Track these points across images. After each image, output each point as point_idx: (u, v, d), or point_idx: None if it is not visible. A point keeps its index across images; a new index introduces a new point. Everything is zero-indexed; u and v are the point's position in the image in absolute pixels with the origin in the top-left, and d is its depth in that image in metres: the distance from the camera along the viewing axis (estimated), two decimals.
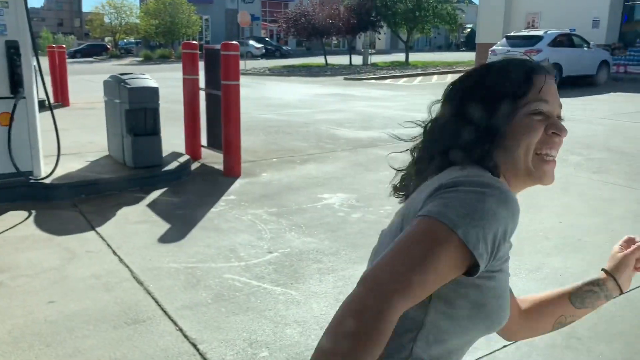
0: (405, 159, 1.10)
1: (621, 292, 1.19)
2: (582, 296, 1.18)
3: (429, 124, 1.05)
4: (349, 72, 23.15)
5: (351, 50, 29.82)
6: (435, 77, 21.24)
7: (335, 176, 6.04)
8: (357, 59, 28.73)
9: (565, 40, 16.20)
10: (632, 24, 20.29)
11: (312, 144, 7.84)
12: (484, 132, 0.95)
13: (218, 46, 5.95)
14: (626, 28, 20.26)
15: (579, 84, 15.68)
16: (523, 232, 4.30)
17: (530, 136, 0.96)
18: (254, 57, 37.26)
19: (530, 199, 5.17)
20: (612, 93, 14.87)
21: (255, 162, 6.61)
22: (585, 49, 16.67)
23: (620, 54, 18.94)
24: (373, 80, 20.26)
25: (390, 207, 4.87)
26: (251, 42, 40.97)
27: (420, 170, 1.04)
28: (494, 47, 16.22)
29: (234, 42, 6.01)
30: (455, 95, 1.03)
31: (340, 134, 8.64)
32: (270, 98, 14.00)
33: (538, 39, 15.65)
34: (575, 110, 10.75)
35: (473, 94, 1.00)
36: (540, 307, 1.21)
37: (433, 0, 27.42)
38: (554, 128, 0.99)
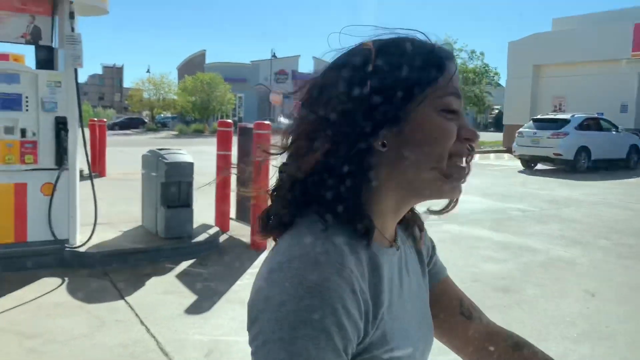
0: None
1: None
2: None
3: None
4: None
5: None
6: None
7: None
8: None
9: (592, 124, 16.33)
10: None
11: None
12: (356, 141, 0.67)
13: (251, 125, 6.26)
14: None
15: (609, 168, 15.63)
16: (549, 316, 4.25)
17: (444, 142, 0.70)
18: None
19: (556, 283, 5.12)
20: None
21: None
22: (614, 132, 16.74)
23: None
24: None
25: None
26: (281, 119, 42.22)
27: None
28: (521, 129, 16.43)
29: (267, 122, 6.31)
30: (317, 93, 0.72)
31: None
32: None
33: (565, 122, 15.82)
34: (603, 195, 10.70)
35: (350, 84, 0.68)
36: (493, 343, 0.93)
37: (461, 84, 28.17)
38: (469, 133, 0.73)
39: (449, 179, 0.72)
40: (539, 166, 16.27)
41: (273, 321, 0.60)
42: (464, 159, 0.74)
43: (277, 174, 0.74)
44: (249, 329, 0.64)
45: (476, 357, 0.93)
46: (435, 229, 7.37)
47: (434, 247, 0.98)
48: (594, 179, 13.39)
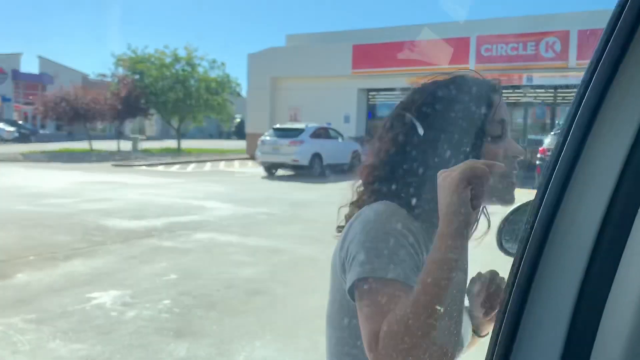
0: None
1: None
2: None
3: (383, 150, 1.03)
4: (118, 159, 22.23)
5: (119, 136, 28.77)
6: (208, 164, 21.64)
7: (105, 272, 5.59)
8: (126, 145, 27.82)
9: (323, 133, 18.11)
10: (376, 120, 23.74)
11: (78, 237, 7.19)
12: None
13: None
14: (371, 123, 23.61)
15: (337, 172, 17.50)
16: (298, 313, 4.50)
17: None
18: (4, 141, 33.42)
19: (303, 280, 5.47)
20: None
21: (8, 262, 5.79)
22: (340, 140, 18.85)
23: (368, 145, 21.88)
24: (144, 167, 19.74)
25: (168, 301, 4.67)
26: (1, 124, 36.85)
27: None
28: (262, 138, 17.31)
29: None
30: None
31: (110, 224, 8.11)
32: (25, 187, 12.58)
33: (300, 131, 17.22)
34: (334, 195, 11.91)
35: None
36: None
37: (204, 92, 28.37)
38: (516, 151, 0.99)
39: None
40: (280, 172, 17.38)
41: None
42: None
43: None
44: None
45: None
46: (185, 238, 7.26)
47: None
48: (326, 182, 14.84)
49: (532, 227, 0.57)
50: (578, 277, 0.53)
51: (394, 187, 0.97)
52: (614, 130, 0.53)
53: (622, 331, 0.49)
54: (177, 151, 26.97)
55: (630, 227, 0.51)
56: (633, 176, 0.52)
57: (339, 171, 17.75)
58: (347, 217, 1.09)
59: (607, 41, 0.53)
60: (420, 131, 0.97)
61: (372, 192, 1.02)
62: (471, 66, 19.11)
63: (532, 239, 0.56)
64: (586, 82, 0.55)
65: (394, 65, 20.90)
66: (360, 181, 1.08)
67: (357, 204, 1.07)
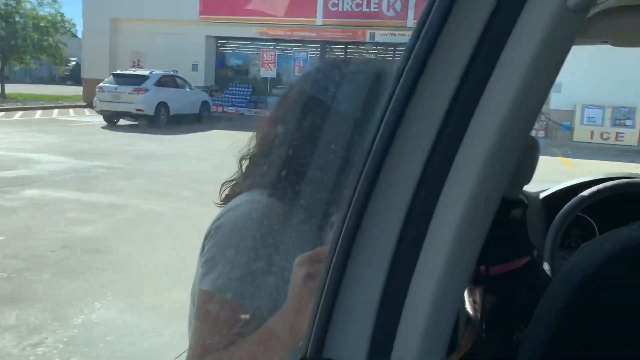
0: None
1: None
2: None
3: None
4: None
5: None
6: (39, 112, 19.59)
7: None
8: None
9: (169, 81, 17.29)
10: (225, 69, 23.19)
11: None
12: None
13: None
14: (220, 73, 23.02)
15: (184, 123, 16.92)
16: (143, 271, 4.40)
17: None
18: None
19: (148, 238, 5.31)
20: (213, 130, 16.62)
21: None
22: (188, 90, 18.18)
23: (217, 95, 21.37)
24: None
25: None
26: None
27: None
28: (101, 84, 16.06)
29: None
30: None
31: None
32: None
33: (144, 78, 16.25)
34: (182, 148, 11.58)
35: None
36: None
37: (32, 31, 25.30)
38: None
39: None
40: (122, 122, 16.35)
41: None
42: None
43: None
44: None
45: None
46: (12, 195, 6.59)
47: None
48: (173, 132, 14.30)
49: (344, 218, 0.57)
50: (384, 270, 0.56)
51: (282, 178, 0.87)
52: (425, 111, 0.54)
53: (418, 320, 0.55)
54: (1, 97, 23.99)
55: (432, 214, 0.55)
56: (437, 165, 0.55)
57: (187, 122, 17.20)
58: (226, 198, 0.99)
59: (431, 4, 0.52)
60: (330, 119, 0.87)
61: (252, 182, 0.92)
62: (318, 21, 19.46)
63: (345, 230, 0.57)
64: (408, 53, 0.56)
65: (243, 14, 20.45)
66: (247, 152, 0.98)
67: (235, 190, 0.97)
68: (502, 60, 0.52)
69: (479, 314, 1.12)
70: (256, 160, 0.95)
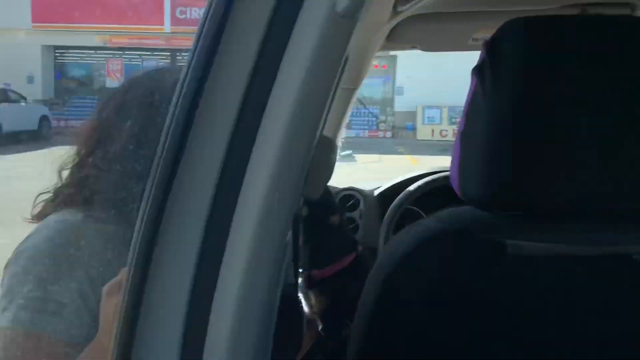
0: None
1: None
2: None
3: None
4: None
5: None
6: None
7: None
8: None
9: (0, 96, 15.73)
10: (66, 80, 21.58)
11: None
12: None
13: None
14: (61, 84, 21.37)
15: (21, 139, 15.43)
16: None
17: None
18: None
19: None
20: (55, 147, 15.31)
21: None
22: (23, 104, 16.66)
23: (59, 109, 19.82)
24: None
25: None
26: None
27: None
28: None
29: None
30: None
31: None
32: None
33: None
34: (16, 169, 10.53)
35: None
36: None
37: None
38: None
39: None
40: None
41: None
42: None
43: None
44: None
45: None
46: None
47: None
48: (7, 152, 12.94)
49: (138, 231, 0.55)
50: (187, 285, 0.54)
51: (96, 196, 0.83)
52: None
53: (226, 330, 0.54)
54: None
55: (230, 221, 0.54)
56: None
57: (25, 139, 15.71)
58: (39, 216, 0.90)
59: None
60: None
61: (63, 200, 0.87)
62: (166, 28, 18.92)
63: (139, 246, 0.55)
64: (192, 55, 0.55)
65: (82, 21, 19.21)
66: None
67: (54, 205, 0.89)
68: (283, 65, 0.53)
69: (316, 316, 1.15)
70: (72, 174, 0.88)
